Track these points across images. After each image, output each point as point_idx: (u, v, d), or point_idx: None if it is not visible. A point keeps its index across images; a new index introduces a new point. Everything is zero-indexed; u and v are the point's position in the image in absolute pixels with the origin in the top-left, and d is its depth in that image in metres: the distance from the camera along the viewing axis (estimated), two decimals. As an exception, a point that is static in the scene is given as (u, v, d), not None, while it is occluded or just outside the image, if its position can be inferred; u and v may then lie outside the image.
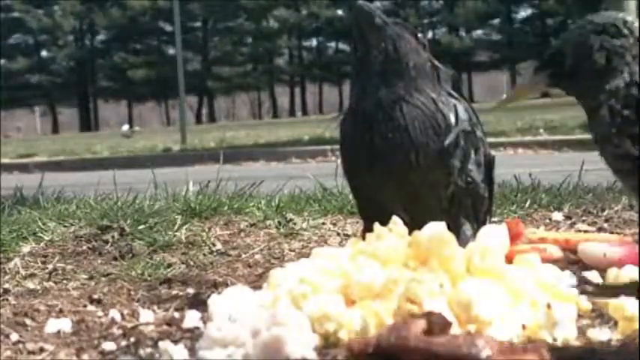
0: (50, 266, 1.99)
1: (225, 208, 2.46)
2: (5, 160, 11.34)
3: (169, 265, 1.96)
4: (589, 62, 1.12)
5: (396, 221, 1.53)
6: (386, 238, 1.47)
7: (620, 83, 1.09)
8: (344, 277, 1.39)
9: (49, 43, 46.56)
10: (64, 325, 1.48)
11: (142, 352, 1.32)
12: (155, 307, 1.62)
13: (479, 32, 46.38)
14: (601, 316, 1.40)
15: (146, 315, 1.54)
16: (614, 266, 1.60)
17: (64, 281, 1.87)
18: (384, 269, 1.39)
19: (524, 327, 1.29)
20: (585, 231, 2.17)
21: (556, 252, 1.81)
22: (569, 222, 2.36)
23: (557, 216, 2.42)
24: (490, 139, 2.04)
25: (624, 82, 1.08)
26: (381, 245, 1.44)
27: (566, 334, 1.29)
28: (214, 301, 1.40)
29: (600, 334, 1.30)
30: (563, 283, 1.43)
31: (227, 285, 1.73)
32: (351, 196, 2.26)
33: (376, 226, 1.51)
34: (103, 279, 1.87)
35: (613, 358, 1.18)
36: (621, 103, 1.07)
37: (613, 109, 1.08)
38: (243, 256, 2.06)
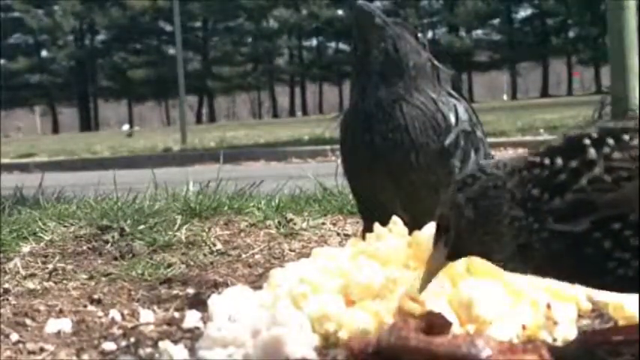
0: (50, 266, 1.99)
1: (225, 208, 2.45)
2: (5, 160, 11.34)
3: (169, 265, 1.96)
4: (465, 218, 1.15)
5: (396, 221, 1.53)
6: (386, 238, 1.47)
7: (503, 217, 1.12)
8: (344, 278, 1.39)
9: (49, 43, 46.57)
10: (64, 325, 1.49)
11: (142, 352, 1.32)
12: (155, 307, 1.62)
13: (479, 32, 46.42)
14: (601, 316, 1.40)
15: (146, 315, 1.54)
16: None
17: (64, 281, 1.87)
18: (385, 269, 1.39)
19: (524, 327, 1.29)
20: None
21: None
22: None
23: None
24: (490, 139, 2.04)
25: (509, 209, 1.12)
26: (381, 246, 1.44)
27: (566, 334, 1.29)
28: (214, 301, 1.40)
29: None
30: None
31: (227, 285, 1.73)
32: (351, 196, 2.26)
33: (376, 226, 1.51)
34: (103, 279, 1.87)
35: (613, 358, 1.18)
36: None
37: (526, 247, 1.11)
38: (244, 256, 2.06)
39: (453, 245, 1.18)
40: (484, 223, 1.14)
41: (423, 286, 1.21)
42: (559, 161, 1.09)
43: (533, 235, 1.10)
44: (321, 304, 1.31)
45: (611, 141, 1.07)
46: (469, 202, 1.15)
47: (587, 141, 1.08)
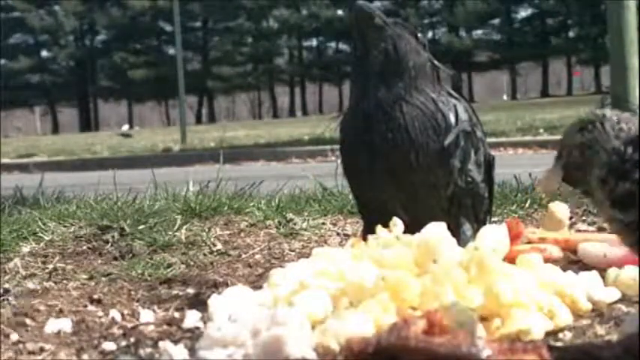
0: (50, 266, 1.99)
1: (225, 208, 2.46)
2: (5, 160, 11.33)
3: (169, 265, 1.96)
4: (573, 157, 1.22)
5: (396, 222, 1.53)
6: (393, 245, 1.46)
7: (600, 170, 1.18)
8: (343, 281, 1.38)
9: (49, 43, 46.56)
10: (64, 325, 1.48)
11: (142, 352, 1.32)
12: (155, 307, 1.62)
13: (479, 32, 46.39)
14: (601, 316, 1.40)
15: (146, 315, 1.54)
16: (614, 266, 1.59)
17: (64, 281, 1.87)
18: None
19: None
20: (585, 231, 2.17)
21: (556, 252, 1.81)
22: (569, 222, 2.35)
23: (558, 216, 2.41)
24: (490, 139, 2.04)
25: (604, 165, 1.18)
26: (387, 252, 1.43)
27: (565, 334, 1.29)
28: (214, 301, 1.40)
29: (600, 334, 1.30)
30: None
31: (227, 285, 1.73)
32: (351, 196, 2.26)
33: (382, 232, 1.51)
34: (103, 279, 1.87)
35: (612, 358, 1.18)
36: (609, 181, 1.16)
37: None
38: (244, 256, 2.06)
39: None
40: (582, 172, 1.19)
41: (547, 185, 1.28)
42: (629, 151, 1.15)
43: (602, 212, 1.17)
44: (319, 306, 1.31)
45: None
46: (579, 146, 1.20)
47: None
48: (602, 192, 1.15)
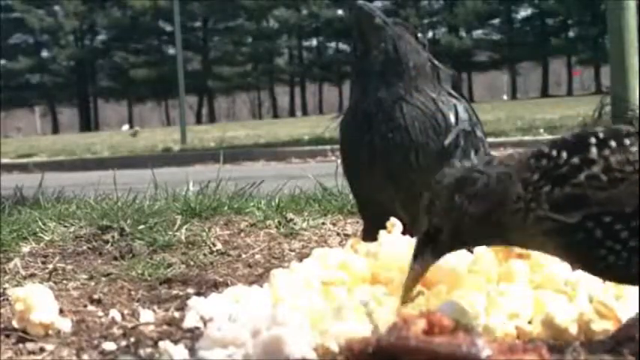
0: (50, 266, 1.99)
1: (226, 208, 2.46)
2: (5, 160, 11.34)
3: (169, 265, 1.96)
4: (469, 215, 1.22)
5: (394, 223, 1.53)
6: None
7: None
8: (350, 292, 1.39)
9: (49, 43, 46.55)
10: (64, 325, 1.48)
11: (142, 352, 1.32)
12: (155, 307, 1.62)
13: (479, 32, 46.40)
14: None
15: (146, 315, 1.54)
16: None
17: (64, 281, 1.88)
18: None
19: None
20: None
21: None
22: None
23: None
24: (490, 139, 2.04)
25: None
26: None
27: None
28: (215, 301, 1.40)
29: (600, 333, 1.30)
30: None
31: (227, 285, 1.73)
32: (351, 196, 2.26)
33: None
34: (103, 279, 1.87)
35: (613, 358, 1.18)
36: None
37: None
38: (244, 256, 2.06)
39: (447, 247, 1.26)
40: (493, 214, 1.19)
41: (405, 297, 1.28)
42: (564, 155, 1.17)
43: (529, 213, 1.17)
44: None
45: (613, 143, 1.15)
46: (472, 198, 1.21)
47: (592, 140, 1.16)
48: (528, 194, 1.16)
